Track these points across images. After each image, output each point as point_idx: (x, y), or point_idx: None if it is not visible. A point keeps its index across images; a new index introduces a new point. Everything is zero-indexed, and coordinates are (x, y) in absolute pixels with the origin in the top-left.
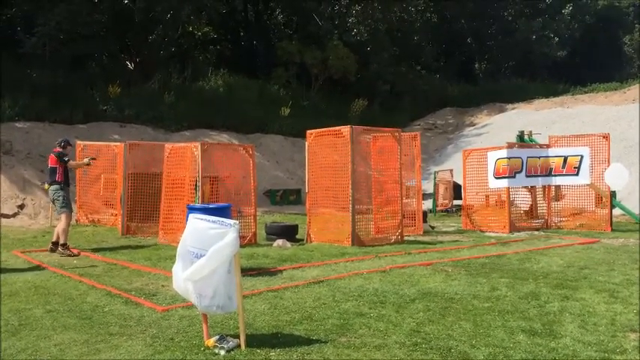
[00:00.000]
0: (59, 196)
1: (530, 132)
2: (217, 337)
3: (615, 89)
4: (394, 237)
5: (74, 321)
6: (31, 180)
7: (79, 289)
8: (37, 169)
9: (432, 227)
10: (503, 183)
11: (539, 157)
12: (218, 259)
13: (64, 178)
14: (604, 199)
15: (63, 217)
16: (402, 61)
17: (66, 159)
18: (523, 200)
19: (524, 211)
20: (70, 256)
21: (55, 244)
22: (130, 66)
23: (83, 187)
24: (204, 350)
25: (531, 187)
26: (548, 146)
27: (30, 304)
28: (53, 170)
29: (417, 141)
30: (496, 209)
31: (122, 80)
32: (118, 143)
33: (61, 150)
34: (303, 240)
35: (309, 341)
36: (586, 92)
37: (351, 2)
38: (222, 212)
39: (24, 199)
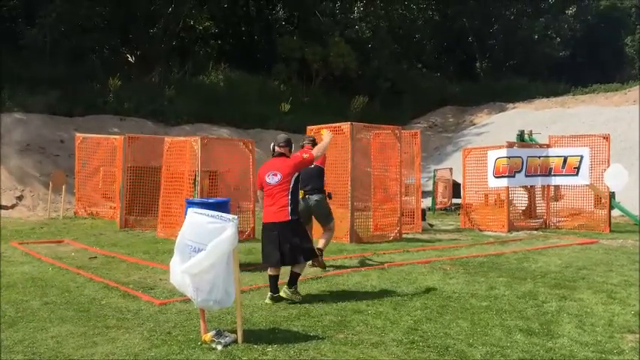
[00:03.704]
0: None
1: (531, 131)
2: (214, 331)
3: (616, 90)
4: (393, 234)
5: (71, 313)
6: (30, 172)
7: (76, 281)
8: (37, 161)
9: (431, 225)
10: (503, 182)
11: (539, 157)
12: (216, 253)
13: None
14: (603, 200)
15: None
16: (403, 59)
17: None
18: (519, 200)
19: (522, 210)
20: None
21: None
22: (131, 59)
23: (82, 180)
24: (201, 345)
25: (530, 186)
26: (548, 146)
27: (27, 295)
28: (321, 173)
29: (417, 139)
30: (495, 208)
31: (122, 73)
32: (117, 136)
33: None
34: None
35: (306, 337)
36: (587, 92)
37: None
38: (221, 207)
39: (22, 190)
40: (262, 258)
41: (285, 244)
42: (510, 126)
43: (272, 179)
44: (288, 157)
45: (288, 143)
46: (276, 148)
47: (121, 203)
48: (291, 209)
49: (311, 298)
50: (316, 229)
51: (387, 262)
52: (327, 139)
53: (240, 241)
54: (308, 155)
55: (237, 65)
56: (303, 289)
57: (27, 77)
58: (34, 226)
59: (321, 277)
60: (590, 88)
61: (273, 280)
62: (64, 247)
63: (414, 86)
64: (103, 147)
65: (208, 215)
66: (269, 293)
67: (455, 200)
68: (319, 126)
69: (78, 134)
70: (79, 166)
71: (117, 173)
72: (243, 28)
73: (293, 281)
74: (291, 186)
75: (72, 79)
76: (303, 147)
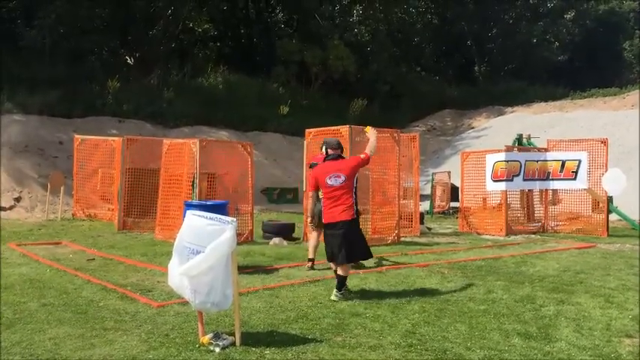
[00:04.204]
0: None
1: (529, 135)
2: (212, 334)
3: (614, 94)
4: (391, 238)
5: (69, 315)
6: (28, 173)
7: (74, 283)
8: (35, 163)
9: (429, 229)
10: (501, 186)
11: (537, 161)
12: (215, 255)
13: None
14: (601, 204)
15: None
16: (402, 62)
17: None
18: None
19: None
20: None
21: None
22: (130, 61)
23: (80, 182)
24: (199, 347)
25: (529, 190)
26: (546, 150)
27: (25, 297)
28: None
29: (415, 142)
30: (493, 212)
31: (121, 75)
32: (116, 138)
33: None
34: (299, 239)
35: (304, 340)
36: (585, 97)
37: (352, 2)
38: (219, 209)
39: (20, 191)
40: (328, 256)
41: (348, 241)
42: (509, 130)
43: (335, 181)
44: (343, 158)
45: (340, 145)
46: (330, 151)
47: (119, 205)
48: (355, 209)
49: (309, 301)
50: None
51: (386, 266)
52: (374, 138)
53: (238, 243)
54: (365, 156)
55: (237, 68)
56: (301, 292)
57: (26, 78)
58: (32, 228)
59: (319, 280)
60: (589, 93)
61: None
62: (62, 248)
63: (413, 89)
64: (101, 149)
65: (207, 217)
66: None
67: (453, 204)
68: (318, 129)
69: (77, 136)
70: (77, 167)
71: (115, 175)
72: (243, 31)
73: (341, 284)
74: (355, 186)
75: (71, 80)
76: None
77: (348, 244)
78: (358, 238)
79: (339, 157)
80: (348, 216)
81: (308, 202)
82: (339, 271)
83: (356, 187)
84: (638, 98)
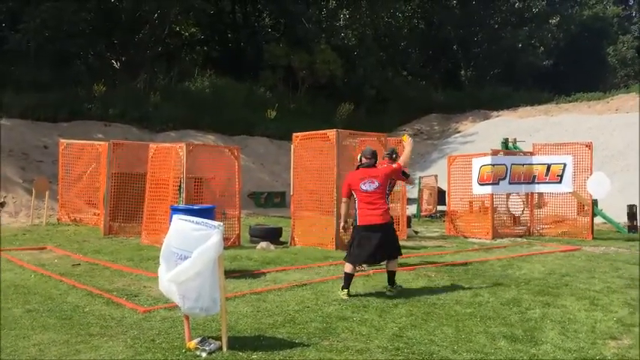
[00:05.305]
0: None
1: (515, 139)
2: (199, 339)
3: (599, 99)
4: None
5: (54, 321)
6: (12, 178)
7: (59, 288)
8: (19, 167)
9: (416, 232)
10: (487, 189)
11: (523, 165)
12: (203, 260)
13: None
14: (586, 207)
15: None
16: (389, 67)
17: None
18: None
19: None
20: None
21: None
22: (116, 65)
23: (65, 186)
24: (185, 352)
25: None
26: (532, 154)
27: (9, 303)
28: None
29: (402, 146)
30: (480, 215)
31: (108, 79)
32: (102, 142)
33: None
34: (287, 243)
35: (291, 344)
36: (570, 101)
37: (338, 7)
38: (206, 214)
39: (5, 197)
40: (356, 257)
41: (387, 242)
42: (495, 134)
43: (369, 186)
44: (376, 166)
45: (374, 155)
46: (364, 160)
47: (105, 210)
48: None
49: (296, 305)
50: None
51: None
52: (410, 149)
53: (225, 247)
54: (397, 165)
55: (224, 72)
56: (288, 296)
57: (11, 82)
58: (16, 233)
59: (306, 285)
60: (574, 97)
61: (350, 279)
62: (47, 253)
63: (400, 94)
64: (87, 153)
65: (194, 222)
66: (345, 290)
67: (440, 207)
68: (305, 133)
69: (62, 140)
70: (62, 172)
71: (101, 180)
72: (230, 35)
73: (393, 280)
74: (387, 192)
75: (56, 84)
76: (383, 158)
77: (388, 243)
78: (394, 239)
79: (374, 165)
80: (386, 219)
81: (341, 209)
82: (390, 268)
83: (388, 194)
84: (639, 102)
